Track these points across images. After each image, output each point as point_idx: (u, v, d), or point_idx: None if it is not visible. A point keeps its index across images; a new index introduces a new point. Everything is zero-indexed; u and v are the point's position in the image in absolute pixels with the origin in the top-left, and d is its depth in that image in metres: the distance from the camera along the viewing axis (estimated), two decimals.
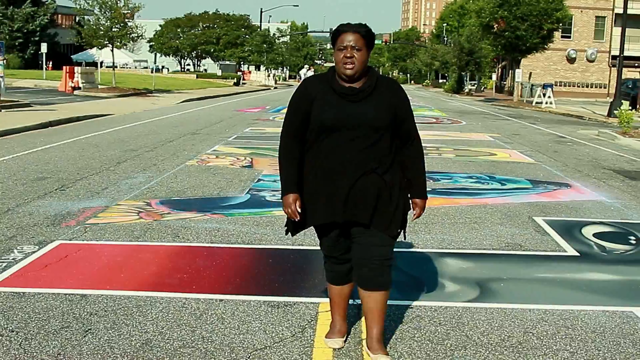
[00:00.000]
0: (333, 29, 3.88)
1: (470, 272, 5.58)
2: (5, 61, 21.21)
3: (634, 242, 6.82)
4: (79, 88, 32.38)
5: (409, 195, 3.81)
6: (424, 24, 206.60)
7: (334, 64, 3.68)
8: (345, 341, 3.98)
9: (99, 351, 3.90)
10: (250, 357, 3.86)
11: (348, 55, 3.52)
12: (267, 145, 14.12)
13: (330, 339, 3.99)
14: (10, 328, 4.21)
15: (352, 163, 3.57)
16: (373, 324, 3.74)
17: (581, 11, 57.73)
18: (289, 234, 3.93)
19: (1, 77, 20.54)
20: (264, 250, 6.06)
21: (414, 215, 3.85)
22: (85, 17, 34.98)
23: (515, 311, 4.70)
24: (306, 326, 4.28)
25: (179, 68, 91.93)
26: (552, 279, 5.50)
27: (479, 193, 9.26)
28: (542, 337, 4.26)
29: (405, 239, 3.97)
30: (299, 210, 3.65)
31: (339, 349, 3.92)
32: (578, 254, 6.24)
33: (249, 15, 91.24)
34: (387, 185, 3.62)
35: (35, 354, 3.84)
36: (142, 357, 3.82)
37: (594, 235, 6.98)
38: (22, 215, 7.26)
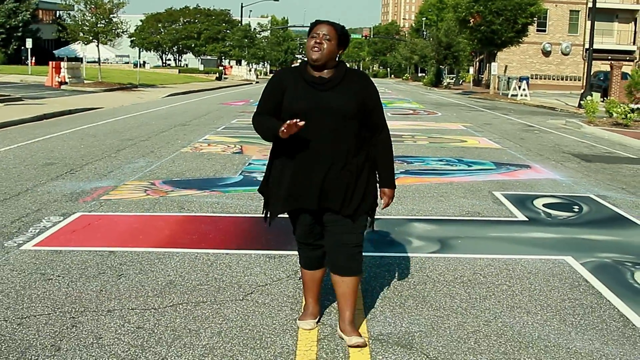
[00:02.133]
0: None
1: (434, 233, 6.64)
2: None
3: (576, 210, 7.92)
4: (66, 83, 33.04)
5: (377, 185, 3.98)
6: (403, 18, 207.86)
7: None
8: (317, 322, 4.17)
9: (132, 289, 4.88)
10: (255, 291, 4.86)
11: (318, 41, 3.70)
12: (254, 134, 15.04)
13: (303, 321, 4.15)
14: (57, 274, 5.18)
15: (322, 150, 3.70)
16: (346, 308, 3.90)
17: (556, 5, 59.12)
18: (269, 224, 4.06)
19: None
20: (259, 219, 7.05)
21: (383, 204, 4.01)
22: (70, 12, 35.49)
23: (467, 259, 5.77)
24: (297, 270, 5.27)
25: (160, 63, 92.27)
26: (502, 237, 6.59)
27: (447, 173, 10.36)
28: (487, 276, 5.32)
29: (372, 229, 4.08)
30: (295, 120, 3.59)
31: (310, 329, 4.10)
32: (527, 219, 7.33)
33: (229, 10, 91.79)
34: (356, 173, 3.77)
35: (81, 291, 4.82)
36: (168, 292, 4.82)
37: (543, 205, 8.08)
38: (41, 193, 8.19)
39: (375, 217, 4.03)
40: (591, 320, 4.48)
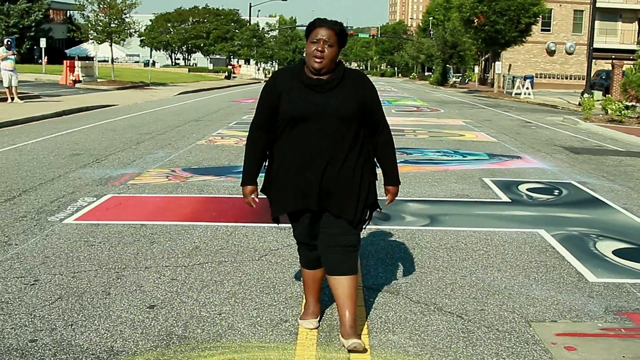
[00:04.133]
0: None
1: (425, 211, 7.49)
2: (15, 56, 22.77)
3: (556, 193, 8.77)
4: (80, 81, 34.02)
5: (383, 183, 4.00)
6: (411, 18, 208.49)
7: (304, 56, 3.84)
8: (319, 322, 4.16)
9: (164, 252, 5.75)
10: (268, 254, 5.73)
11: (319, 49, 3.62)
12: None
13: (305, 320, 4.13)
14: (98, 241, 6.06)
15: (320, 152, 3.69)
16: (344, 310, 3.81)
17: (560, 5, 59.81)
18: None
19: (12, 70, 22.14)
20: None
21: (387, 200, 4.04)
22: (83, 12, 36.46)
23: (452, 231, 6.63)
24: None
25: (169, 62, 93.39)
26: (485, 214, 7.44)
27: (443, 162, 11.22)
28: (468, 244, 6.18)
29: (365, 228, 4.06)
30: (256, 200, 3.97)
31: (312, 329, 4.08)
32: (510, 201, 8.19)
33: (238, 10, 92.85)
34: (355, 175, 3.77)
35: (120, 253, 5.69)
36: (195, 254, 5.69)
37: (527, 189, 8.93)
38: (73, 179, 9.07)
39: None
40: (551, 277, 5.33)
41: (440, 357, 3.82)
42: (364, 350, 3.76)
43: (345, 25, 3.96)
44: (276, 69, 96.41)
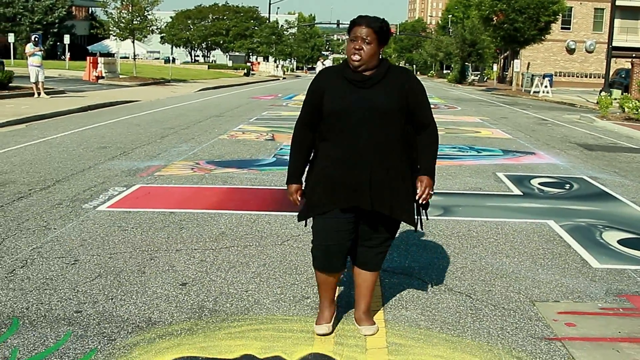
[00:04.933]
0: (340, 20, 4.46)
1: (439, 202, 7.82)
2: (42, 52, 23.33)
3: (567, 187, 9.07)
4: (103, 77, 34.64)
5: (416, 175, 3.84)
6: (430, 15, 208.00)
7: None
8: (334, 326, 4.07)
9: (193, 237, 6.14)
10: (290, 239, 6.10)
11: (357, 47, 3.61)
12: (284, 125, 16.37)
13: (319, 325, 4.01)
14: (131, 227, 6.46)
15: (367, 150, 3.63)
16: (361, 298, 4.00)
17: (580, 3, 59.67)
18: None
19: (39, 66, 22.69)
20: None
21: (419, 192, 3.78)
22: (106, 10, 37.08)
23: (464, 221, 6.96)
24: None
25: (188, 59, 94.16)
26: (497, 206, 7.76)
27: (458, 157, 11.54)
28: (478, 232, 6.52)
29: (421, 228, 4.08)
30: (299, 199, 3.89)
31: (325, 334, 3.99)
32: (521, 194, 8.50)
33: (257, 7, 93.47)
34: (402, 173, 3.73)
35: (153, 237, 6.09)
36: (222, 239, 6.07)
37: (539, 183, 9.23)
38: (102, 170, 9.50)
39: None
40: (556, 262, 5.66)
41: (449, 330, 4.17)
42: (377, 332, 4.02)
43: None
44: (295, 67, 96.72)
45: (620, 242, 6.35)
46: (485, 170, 10.30)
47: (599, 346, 4.00)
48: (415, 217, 3.91)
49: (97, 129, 14.57)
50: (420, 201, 3.80)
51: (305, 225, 4.10)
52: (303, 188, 3.95)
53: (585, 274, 5.39)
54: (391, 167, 3.68)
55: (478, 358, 3.80)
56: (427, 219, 4.09)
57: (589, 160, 11.89)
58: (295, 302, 4.56)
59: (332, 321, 4.04)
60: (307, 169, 3.95)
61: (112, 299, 4.55)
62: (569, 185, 9.25)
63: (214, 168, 9.86)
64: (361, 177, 3.65)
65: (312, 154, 3.92)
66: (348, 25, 3.77)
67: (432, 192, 3.82)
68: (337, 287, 4.21)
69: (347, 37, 3.75)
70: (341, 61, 4.40)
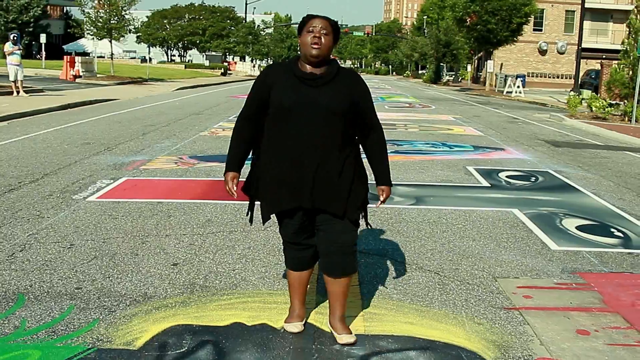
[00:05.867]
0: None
1: (412, 193, 8.29)
2: (21, 51, 23.45)
3: (533, 180, 9.60)
4: (80, 76, 34.70)
5: (375, 184, 3.91)
6: (405, 16, 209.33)
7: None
8: (304, 325, 4.08)
9: (181, 223, 6.53)
10: (273, 226, 6.41)
11: (317, 35, 3.60)
12: None
13: (290, 324, 4.04)
14: (121, 215, 6.83)
15: (311, 148, 3.63)
16: (337, 305, 3.89)
17: (552, 5, 60.75)
18: (256, 221, 4.17)
19: (19, 65, 22.80)
20: None
21: (379, 201, 3.92)
22: (84, 9, 37.11)
23: (435, 209, 7.44)
24: None
25: (165, 58, 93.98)
26: (466, 196, 8.25)
27: (431, 153, 12.05)
28: (448, 219, 6.99)
29: (367, 226, 4.24)
30: (235, 188, 3.89)
31: (297, 333, 4.01)
32: (489, 185, 9.01)
33: (234, 7, 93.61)
34: (345, 171, 3.71)
35: (144, 224, 6.47)
36: (208, 225, 6.47)
37: (506, 176, 9.76)
38: (88, 164, 9.83)
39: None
40: (518, 245, 6.14)
41: (419, 302, 4.62)
42: (355, 342, 3.85)
43: (340, 22, 4.29)
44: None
45: (578, 227, 6.86)
46: (456, 164, 10.81)
47: (551, 314, 4.47)
48: (360, 217, 3.93)
49: (79, 126, 14.84)
50: (377, 206, 4.05)
51: (264, 223, 4.06)
52: (245, 181, 3.99)
53: (544, 255, 5.88)
54: (334, 166, 3.67)
55: (444, 324, 4.24)
56: (368, 223, 4.15)
57: (555, 156, 12.46)
58: (278, 279, 4.98)
59: (304, 320, 4.08)
60: (250, 164, 3.95)
61: (109, 277, 4.93)
62: (534, 178, 9.79)
63: (197, 162, 10.24)
64: (304, 174, 3.65)
65: (251, 148, 3.90)
66: (301, 21, 3.75)
67: (387, 198, 3.96)
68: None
69: (300, 32, 3.72)
70: None
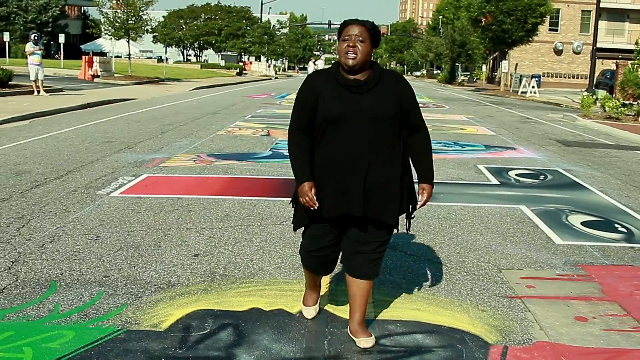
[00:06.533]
0: (331, 20, 4.31)
1: None
2: (41, 51, 23.94)
3: (542, 178, 9.84)
4: (98, 76, 35.20)
5: (416, 181, 3.85)
6: (421, 16, 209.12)
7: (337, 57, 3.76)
8: (318, 311, 4.32)
9: (200, 218, 6.84)
10: (288, 220, 6.80)
11: (351, 44, 3.56)
12: (279, 122, 17.08)
13: (306, 307, 4.30)
14: (143, 209, 7.15)
15: (361, 156, 3.59)
16: (356, 309, 3.89)
17: (568, 5, 60.66)
18: (300, 228, 3.98)
19: (39, 65, 23.28)
20: (287, 180, 8.99)
21: (421, 201, 3.85)
22: (102, 10, 37.64)
23: (445, 205, 7.70)
24: None
25: (180, 58, 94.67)
26: (475, 194, 8.51)
27: (443, 152, 12.30)
28: (457, 215, 7.25)
29: (407, 231, 4.16)
30: (315, 197, 3.68)
31: (312, 317, 4.26)
32: (499, 183, 9.26)
33: (249, 7, 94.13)
34: (396, 178, 3.68)
35: (165, 218, 6.78)
36: (227, 219, 6.78)
37: (516, 174, 9.99)
38: (110, 162, 10.17)
39: None
40: (524, 239, 6.40)
41: (426, 291, 4.89)
42: (374, 344, 3.89)
43: None
44: (287, 66, 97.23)
45: (583, 223, 7.10)
46: (467, 163, 11.06)
47: (552, 303, 4.73)
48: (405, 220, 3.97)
49: (99, 125, 15.22)
50: (418, 207, 3.89)
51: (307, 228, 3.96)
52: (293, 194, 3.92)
53: (549, 248, 6.13)
54: (386, 173, 3.65)
55: (449, 311, 4.52)
56: (409, 228, 4.11)
57: (565, 155, 12.67)
58: (294, 269, 5.27)
59: (317, 304, 4.30)
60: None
61: (134, 266, 5.24)
62: (543, 176, 10.02)
63: (214, 160, 10.56)
64: (355, 182, 3.62)
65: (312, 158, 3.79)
66: (339, 27, 3.71)
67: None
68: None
69: (338, 39, 3.69)
70: (332, 62, 4.55)
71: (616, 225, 7.11)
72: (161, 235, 6.17)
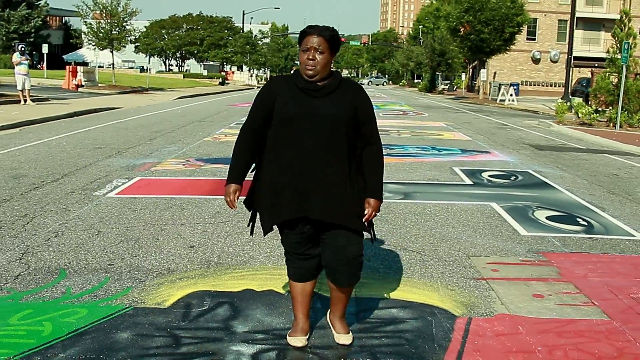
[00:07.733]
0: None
1: (400, 190, 9.12)
2: (28, 61, 24.30)
3: (513, 179, 10.45)
4: (82, 86, 35.56)
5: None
6: (401, 26, 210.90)
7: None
8: (308, 339, 4.01)
9: (193, 215, 7.35)
10: None
11: (310, 57, 3.61)
12: None
13: (293, 337, 3.98)
14: (139, 208, 7.64)
15: (316, 158, 3.63)
16: (338, 306, 4.00)
17: (545, 15, 61.82)
18: (257, 233, 4.08)
19: (26, 74, 23.65)
20: None
21: (366, 215, 3.76)
22: (86, 20, 38.00)
23: (421, 203, 8.28)
24: None
25: (163, 68, 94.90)
26: (450, 192, 9.09)
27: (420, 155, 12.91)
28: (432, 211, 7.82)
29: (372, 241, 4.09)
30: (236, 201, 3.85)
31: (301, 346, 3.94)
32: (472, 183, 9.86)
33: (231, 17, 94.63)
34: (350, 181, 3.70)
35: (160, 215, 7.28)
36: (218, 216, 7.29)
37: (489, 176, 10.60)
38: (102, 166, 10.64)
39: None
40: (492, 231, 6.97)
41: (402, 274, 5.43)
42: (351, 342, 3.99)
43: None
44: (269, 76, 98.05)
45: (548, 217, 7.69)
46: (443, 165, 11.66)
47: (514, 283, 5.30)
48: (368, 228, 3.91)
49: (88, 133, 15.66)
50: (363, 220, 3.78)
51: (265, 234, 4.05)
52: (248, 193, 3.97)
53: (514, 239, 6.71)
54: (339, 176, 3.67)
55: (422, 290, 5.07)
56: (375, 237, 4.06)
57: (537, 158, 13.32)
58: (282, 257, 5.73)
59: (308, 335, 4.02)
60: (253, 176, 3.93)
61: (136, 256, 5.74)
62: (514, 177, 10.63)
63: (203, 164, 11.07)
64: (308, 184, 3.65)
65: (254, 160, 3.87)
66: (299, 35, 3.74)
67: (376, 214, 3.84)
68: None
69: (299, 46, 3.73)
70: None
71: (578, 219, 7.71)
72: (158, 230, 6.66)
